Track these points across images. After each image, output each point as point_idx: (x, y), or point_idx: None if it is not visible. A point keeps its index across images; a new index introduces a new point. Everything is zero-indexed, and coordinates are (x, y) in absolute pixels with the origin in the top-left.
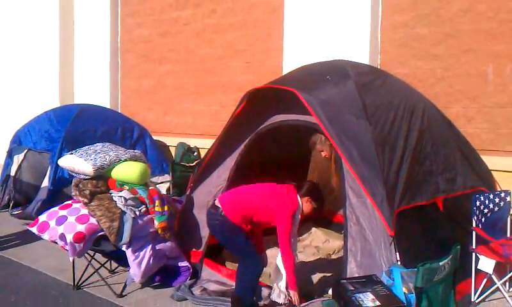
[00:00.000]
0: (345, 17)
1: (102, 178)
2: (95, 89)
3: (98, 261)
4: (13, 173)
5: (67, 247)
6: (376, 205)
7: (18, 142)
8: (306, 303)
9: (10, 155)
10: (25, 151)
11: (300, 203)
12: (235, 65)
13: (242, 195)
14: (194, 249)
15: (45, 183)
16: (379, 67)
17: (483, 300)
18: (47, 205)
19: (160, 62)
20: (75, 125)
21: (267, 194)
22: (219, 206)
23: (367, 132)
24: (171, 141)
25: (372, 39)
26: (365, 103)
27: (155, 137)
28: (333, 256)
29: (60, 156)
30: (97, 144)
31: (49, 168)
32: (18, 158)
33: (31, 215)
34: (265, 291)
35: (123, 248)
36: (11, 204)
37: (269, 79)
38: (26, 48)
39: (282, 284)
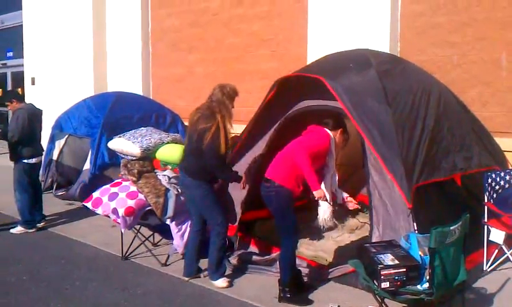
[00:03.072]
0: (367, 7)
1: (147, 159)
2: (127, 78)
3: (143, 235)
4: (55, 157)
5: (119, 221)
6: (396, 181)
7: (59, 128)
8: (333, 269)
9: (52, 140)
10: (66, 137)
11: (331, 135)
12: (261, 53)
13: (285, 156)
14: (230, 224)
15: (86, 166)
16: (398, 55)
17: (494, 269)
18: (88, 187)
19: (190, 51)
20: (112, 112)
21: (303, 139)
22: (271, 178)
23: (388, 116)
24: None
25: (392, 28)
26: (386, 89)
27: (185, 123)
28: (357, 232)
29: (100, 141)
30: (142, 128)
31: (89, 152)
32: (59, 143)
33: (74, 196)
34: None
35: (167, 222)
36: (54, 186)
37: (294, 67)
38: (63, 41)
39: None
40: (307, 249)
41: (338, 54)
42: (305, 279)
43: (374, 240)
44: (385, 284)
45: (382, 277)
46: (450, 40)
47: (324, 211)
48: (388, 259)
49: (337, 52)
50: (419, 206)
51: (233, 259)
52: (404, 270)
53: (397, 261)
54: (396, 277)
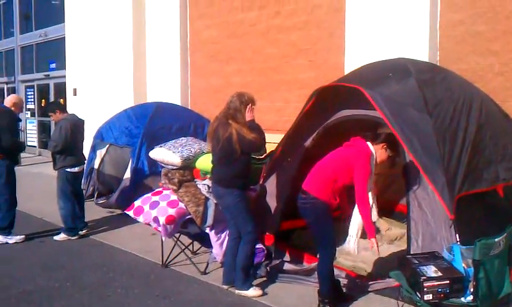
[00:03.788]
0: (405, 16)
1: (187, 168)
2: (166, 88)
3: (182, 243)
4: (96, 166)
5: (160, 229)
6: (437, 191)
7: (100, 138)
8: (374, 282)
9: (94, 149)
10: (107, 146)
11: (373, 151)
12: (298, 63)
13: (322, 168)
14: (267, 233)
15: (127, 175)
16: (438, 63)
17: None
18: (128, 195)
19: (228, 62)
20: (152, 122)
21: (342, 152)
22: (307, 190)
23: (428, 125)
24: None
25: (431, 36)
26: (426, 98)
27: None
28: (396, 242)
29: (140, 150)
30: (182, 138)
31: (130, 161)
32: (101, 153)
33: (114, 204)
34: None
35: (207, 230)
36: (95, 195)
37: (331, 76)
38: (104, 53)
39: (353, 230)
40: (345, 259)
41: (377, 63)
42: (344, 289)
43: (413, 252)
44: (428, 297)
45: (425, 289)
46: (491, 49)
47: (353, 230)
48: (431, 271)
49: (376, 61)
50: (461, 217)
51: (269, 268)
52: (448, 282)
53: (440, 273)
54: (439, 290)
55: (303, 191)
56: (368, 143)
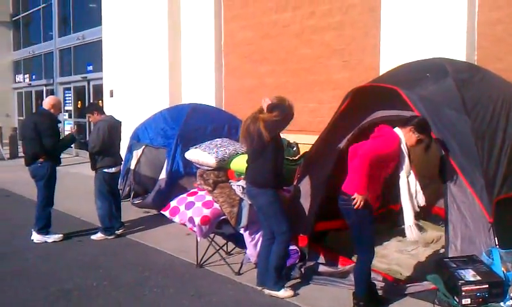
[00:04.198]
0: (442, 15)
1: (222, 169)
2: (200, 89)
3: (217, 244)
4: (132, 167)
5: (195, 229)
6: (475, 194)
7: (137, 139)
8: (410, 285)
9: (130, 150)
10: (143, 147)
11: (402, 136)
12: (332, 64)
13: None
14: (301, 234)
15: (162, 175)
16: (476, 63)
17: None
18: (164, 196)
19: (261, 62)
20: (187, 123)
21: (368, 142)
22: (347, 191)
23: (466, 126)
24: None
25: (469, 35)
26: (464, 98)
27: None
28: (432, 245)
29: (175, 151)
30: (217, 139)
31: (165, 162)
32: (137, 153)
33: (150, 204)
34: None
35: (241, 231)
36: (131, 195)
37: (366, 77)
38: (140, 55)
39: (408, 220)
40: (380, 261)
41: (413, 63)
42: (380, 292)
43: (451, 255)
44: (466, 301)
45: (463, 293)
46: None
47: (407, 219)
48: (470, 274)
49: (412, 61)
50: (500, 220)
51: (303, 270)
52: (487, 286)
53: (479, 277)
54: (478, 294)
55: (343, 193)
56: (397, 129)
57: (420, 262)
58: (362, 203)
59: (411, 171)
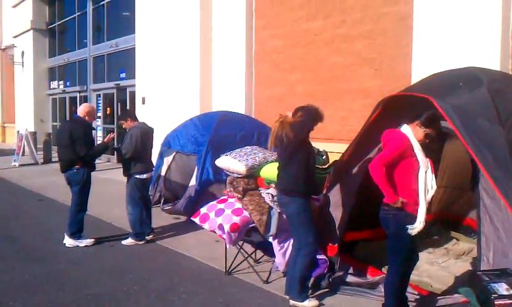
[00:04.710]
0: (476, 23)
1: (252, 177)
2: (231, 97)
3: (245, 251)
4: (163, 173)
5: (224, 236)
6: (509, 206)
7: (167, 146)
8: (442, 297)
9: (161, 156)
10: (173, 154)
11: (409, 133)
12: (363, 72)
13: (389, 175)
14: (330, 244)
15: (192, 182)
16: (510, 72)
17: None
18: (193, 202)
19: (292, 71)
20: (217, 131)
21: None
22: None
23: (500, 136)
24: None
25: (503, 44)
26: (498, 108)
27: None
28: (463, 257)
29: (205, 158)
30: (247, 147)
31: (196, 169)
32: (167, 160)
33: (180, 210)
34: None
35: (270, 239)
36: (162, 201)
37: (398, 86)
38: (172, 64)
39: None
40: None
41: (446, 72)
42: (410, 304)
43: (483, 268)
44: None
45: None
46: None
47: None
48: (503, 288)
49: (445, 70)
50: None
51: (331, 280)
52: None
53: None
54: None
55: (384, 204)
56: (404, 126)
57: (451, 274)
58: (401, 205)
59: (429, 166)
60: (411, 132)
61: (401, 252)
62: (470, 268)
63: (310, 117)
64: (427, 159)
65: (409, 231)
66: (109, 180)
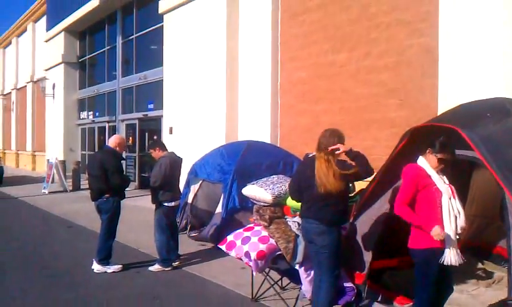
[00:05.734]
0: (501, 54)
1: (278, 205)
2: (256, 127)
3: (272, 279)
4: (190, 200)
5: (251, 264)
6: None
7: (194, 174)
8: None
9: (188, 184)
10: (200, 182)
11: (422, 162)
12: (389, 103)
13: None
14: (358, 272)
15: (218, 209)
16: None
17: None
18: (220, 229)
19: (317, 102)
20: (243, 160)
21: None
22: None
23: None
24: None
25: None
26: None
27: None
28: (494, 286)
29: (231, 186)
30: (273, 176)
31: (222, 197)
32: (194, 188)
33: (206, 237)
34: None
35: (296, 267)
36: (188, 228)
37: (423, 116)
38: (199, 95)
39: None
40: None
41: (473, 103)
42: None
43: None
44: None
45: None
46: None
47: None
48: None
49: (472, 100)
50: None
51: None
52: None
53: None
54: None
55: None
56: (420, 158)
57: (482, 303)
58: (439, 235)
59: (451, 192)
60: (426, 162)
61: (429, 283)
62: (501, 298)
63: (362, 171)
64: (448, 186)
65: (441, 260)
66: (137, 207)
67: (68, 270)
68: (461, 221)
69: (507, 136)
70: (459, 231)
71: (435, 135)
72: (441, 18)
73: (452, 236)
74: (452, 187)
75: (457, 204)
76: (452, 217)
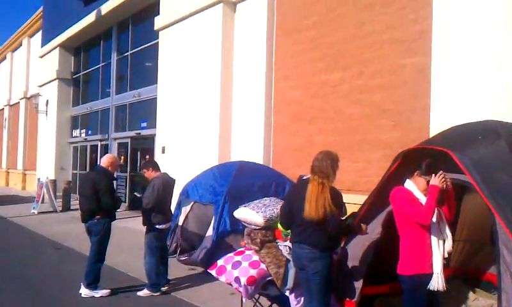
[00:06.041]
0: (495, 75)
1: (270, 229)
2: (249, 147)
3: (261, 305)
4: (180, 223)
5: (241, 289)
6: None
7: (186, 195)
8: None
9: (179, 206)
10: (191, 203)
11: (410, 185)
12: (381, 123)
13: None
14: (348, 299)
15: (209, 232)
16: None
17: None
18: (210, 253)
19: (310, 121)
20: (236, 181)
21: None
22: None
23: None
24: None
25: None
26: None
27: None
28: None
29: (223, 208)
30: (265, 198)
31: (213, 219)
32: (185, 210)
33: (196, 261)
34: None
35: (287, 293)
36: (178, 251)
37: (416, 137)
38: (192, 114)
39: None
40: None
41: (465, 125)
42: None
43: None
44: None
45: None
46: None
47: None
48: None
49: (464, 123)
50: None
51: None
52: None
53: None
54: None
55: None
56: (407, 181)
57: None
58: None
59: (439, 216)
60: (413, 185)
61: None
62: None
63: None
64: (437, 209)
65: (429, 286)
66: (127, 229)
67: (56, 294)
68: (448, 245)
69: (498, 160)
70: (445, 255)
71: (425, 157)
72: (435, 38)
73: (440, 260)
74: (441, 210)
75: (445, 228)
76: (440, 240)
